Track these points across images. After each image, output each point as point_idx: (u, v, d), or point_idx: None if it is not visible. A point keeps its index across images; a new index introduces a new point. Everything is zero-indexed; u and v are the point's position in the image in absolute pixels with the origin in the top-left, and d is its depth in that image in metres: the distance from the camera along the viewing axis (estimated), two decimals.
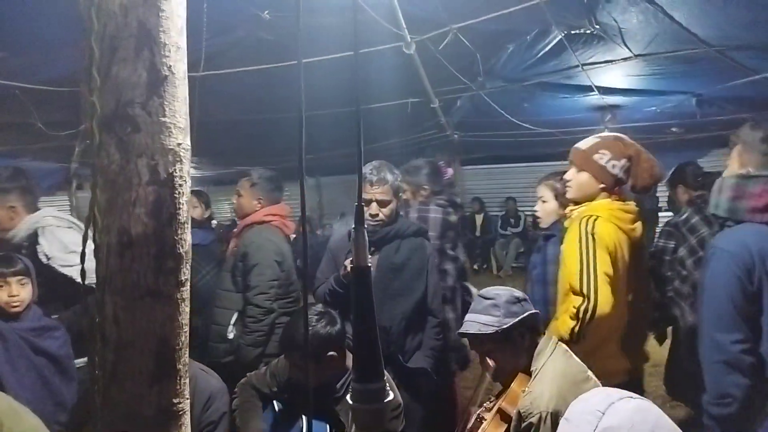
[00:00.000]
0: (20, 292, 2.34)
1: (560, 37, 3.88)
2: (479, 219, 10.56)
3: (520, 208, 10.63)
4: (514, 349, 1.91)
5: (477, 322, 1.91)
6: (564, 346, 1.94)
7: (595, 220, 2.24)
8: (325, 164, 9.74)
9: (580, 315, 2.12)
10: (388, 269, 2.63)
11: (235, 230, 3.67)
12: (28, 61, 3.78)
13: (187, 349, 1.01)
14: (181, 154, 0.99)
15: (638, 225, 2.39)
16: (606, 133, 2.56)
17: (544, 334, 1.96)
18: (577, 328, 2.13)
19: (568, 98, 5.29)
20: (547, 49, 4.10)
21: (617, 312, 2.18)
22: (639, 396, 1.13)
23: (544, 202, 3.04)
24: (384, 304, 2.55)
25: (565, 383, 1.78)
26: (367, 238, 0.81)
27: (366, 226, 2.57)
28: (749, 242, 1.85)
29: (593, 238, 2.19)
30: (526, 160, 9.17)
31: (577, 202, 2.43)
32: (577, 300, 2.15)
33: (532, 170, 9.73)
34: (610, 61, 4.19)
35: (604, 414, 1.05)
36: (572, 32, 3.83)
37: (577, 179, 2.38)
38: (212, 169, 8.78)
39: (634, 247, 2.33)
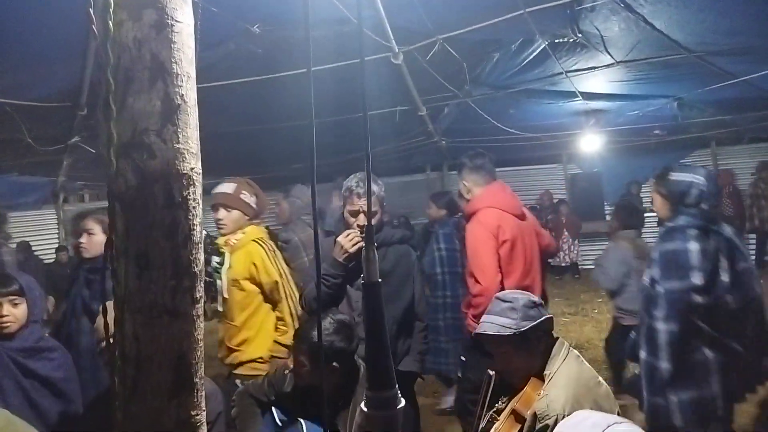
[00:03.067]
0: (12, 312, 2.27)
1: (544, 45, 3.97)
2: None
3: None
4: (530, 351, 1.93)
5: (495, 323, 1.94)
6: (575, 351, 1.98)
7: (262, 239, 3.05)
8: (310, 173, 9.76)
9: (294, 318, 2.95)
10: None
11: None
12: (18, 79, 3.80)
13: (202, 364, 1.05)
14: (194, 177, 1.04)
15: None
16: (237, 178, 3.21)
17: (557, 339, 2.00)
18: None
19: (553, 104, 5.39)
20: (531, 57, 4.19)
21: None
22: (627, 420, 1.23)
23: (91, 234, 3.10)
24: None
25: (579, 388, 1.83)
26: (376, 255, 0.86)
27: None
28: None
29: (275, 253, 3.06)
30: (513, 164, 9.28)
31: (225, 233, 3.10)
32: (283, 308, 2.96)
33: (517, 174, 9.84)
34: (593, 68, 4.29)
35: None
36: (556, 41, 3.92)
37: (230, 217, 3.04)
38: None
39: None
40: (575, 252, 9.52)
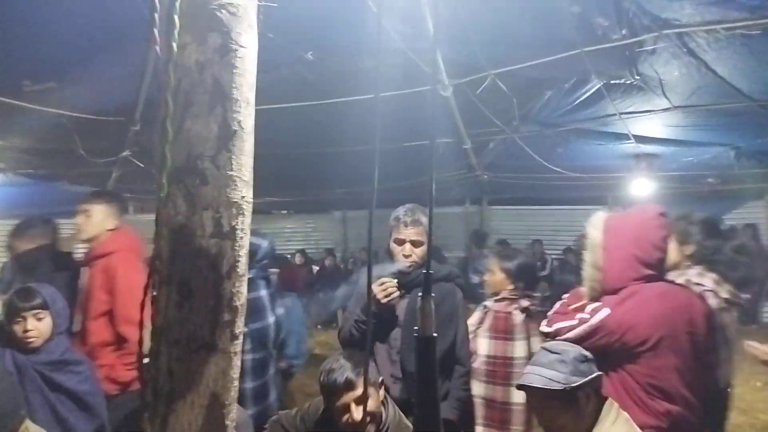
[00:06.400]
0: (36, 326, 2.26)
1: (599, 86, 3.87)
2: None
3: (546, 251, 10.49)
4: (578, 410, 1.77)
5: (542, 375, 1.78)
6: (625, 413, 1.83)
7: None
8: (352, 199, 9.82)
9: None
10: (416, 314, 2.56)
11: None
12: (77, 92, 3.92)
13: (235, 404, 0.99)
14: (244, 207, 0.99)
15: None
16: None
17: (606, 399, 1.85)
18: None
19: (603, 145, 5.26)
20: (585, 96, 4.09)
21: None
22: None
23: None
24: (411, 350, 2.49)
25: None
26: (432, 307, 0.79)
27: (400, 269, 2.51)
28: None
29: None
30: (556, 203, 9.11)
31: None
32: None
33: (560, 213, 9.65)
34: (649, 111, 4.17)
35: None
36: (612, 82, 3.82)
37: None
38: None
39: None
40: None
